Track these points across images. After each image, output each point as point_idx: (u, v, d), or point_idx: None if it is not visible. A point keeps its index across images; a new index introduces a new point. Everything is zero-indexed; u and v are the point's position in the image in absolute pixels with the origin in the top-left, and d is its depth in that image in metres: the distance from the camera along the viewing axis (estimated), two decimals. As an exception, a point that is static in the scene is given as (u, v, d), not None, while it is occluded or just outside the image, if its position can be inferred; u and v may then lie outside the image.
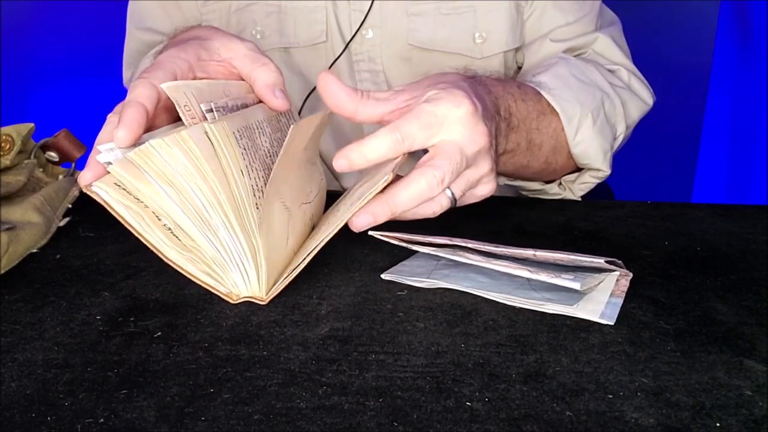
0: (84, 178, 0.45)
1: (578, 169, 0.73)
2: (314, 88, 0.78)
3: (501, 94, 0.61)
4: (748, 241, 0.57)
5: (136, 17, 0.84)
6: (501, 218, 0.62)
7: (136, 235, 0.44)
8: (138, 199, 0.44)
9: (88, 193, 0.44)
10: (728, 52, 1.37)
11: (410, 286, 0.49)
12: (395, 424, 0.34)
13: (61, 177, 0.65)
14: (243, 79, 0.55)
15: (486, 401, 0.36)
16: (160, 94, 0.48)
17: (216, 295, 0.46)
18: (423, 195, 0.48)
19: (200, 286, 0.46)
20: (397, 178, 0.48)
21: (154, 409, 0.35)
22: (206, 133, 0.43)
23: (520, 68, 0.82)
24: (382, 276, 0.50)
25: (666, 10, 1.42)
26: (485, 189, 0.54)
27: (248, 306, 0.46)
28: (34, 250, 0.55)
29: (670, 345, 0.41)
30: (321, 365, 0.39)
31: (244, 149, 0.46)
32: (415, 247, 0.50)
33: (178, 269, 0.45)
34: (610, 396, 0.36)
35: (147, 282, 0.50)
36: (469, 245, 0.49)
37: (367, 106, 0.51)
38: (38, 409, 0.35)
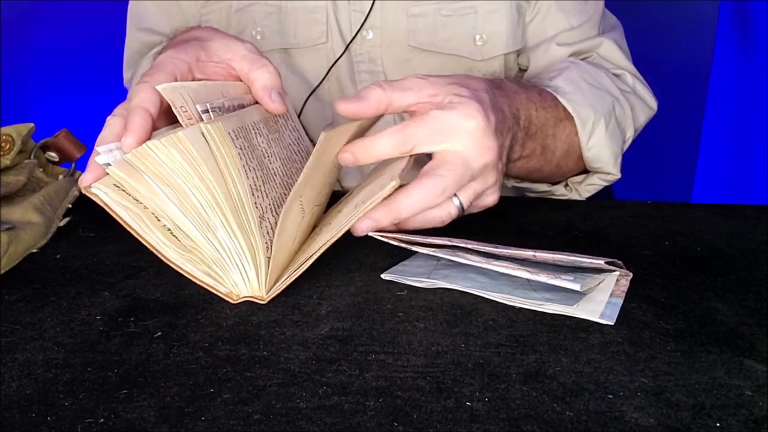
0: (84, 179, 0.45)
1: (586, 171, 0.74)
2: (314, 89, 0.78)
3: (523, 102, 0.61)
4: (748, 241, 0.57)
5: (136, 17, 0.84)
6: (502, 218, 0.62)
7: (136, 236, 0.44)
8: (137, 200, 0.44)
9: (88, 194, 0.44)
10: (728, 52, 1.37)
11: (410, 286, 0.49)
12: (395, 424, 0.34)
13: (61, 177, 0.65)
14: (241, 80, 0.55)
15: (486, 401, 0.36)
16: (162, 97, 0.48)
17: (216, 295, 0.46)
18: (425, 202, 0.49)
19: (200, 286, 0.46)
20: (401, 186, 0.49)
21: (154, 409, 0.35)
22: (202, 133, 0.43)
23: (521, 70, 0.82)
24: (382, 276, 0.50)
25: (666, 10, 1.42)
26: (489, 200, 0.55)
27: (248, 306, 0.46)
28: (34, 250, 0.55)
29: (670, 345, 0.41)
30: (321, 365, 0.39)
31: (241, 149, 0.46)
32: (414, 248, 0.50)
33: (177, 269, 0.45)
34: (610, 396, 0.36)
35: (147, 282, 0.50)
36: (469, 246, 0.49)
37: (398, 97, 0.52)
38: (38, 409, 0.35)
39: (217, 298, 0.46)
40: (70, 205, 0.62)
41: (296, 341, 0.42)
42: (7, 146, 0.59)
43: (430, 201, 0.49)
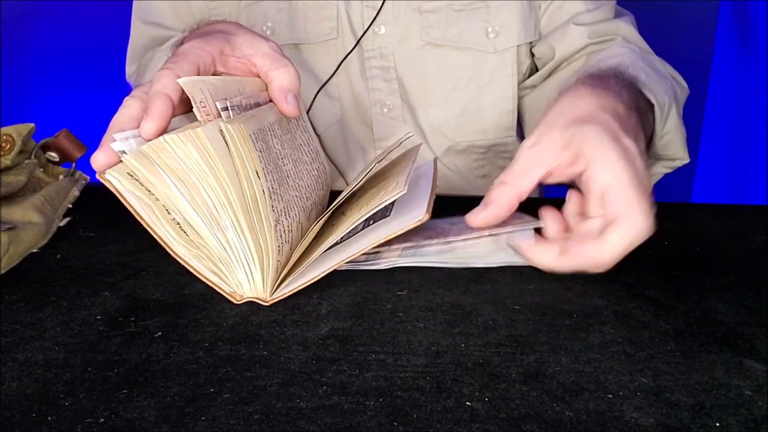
0: (97, 159, 0.44)
1: None
2: (323, 85, 0.78)
3: (637, 127, 0.54)
4: (748, 241, 0.57)
5: (142, 11, 0.84)
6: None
7: (145, 226, 0.44)
8: (149, 192, 0.43)
9: (101, 180, 0.43)
10: (728, 52, 1.37)
11: (410, 286, 0.49)
12: (395, 424, 0.34)
13: (61, 177, 0.65)
14: (260, 77, 0.55)
15: (486, 401, 0.36)
16: None
17: (218, 293, 0.46)
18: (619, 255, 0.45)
19: (202, 284, 0.46)
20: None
21: (154, 408, 0.35)
22: (221, 131, 0.43)
23: (534, 64, 0.82)
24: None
25: (666, 10, 1.42)
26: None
27: (248, 306, 0.46)
28: (35, 250, 0.55)
29: (669, 345, 0.41)
30: (321, 365, 0.39)
31: (260, 152, 0.45)
32: (374, 267, 0.50)
33: (184, 264, 0.45)
34: (610, 396, 0.36)
35: (147, 282, 0.50)
36: (428, 243, 0.50)
37: (526, 184, 0.48)
38: (38, 408, 0.35)
39: (218, 298, 0.46)
40: (70, 205, 0.62)
41: (296, 341, 0.42)
42: (8, 146, 0.59)
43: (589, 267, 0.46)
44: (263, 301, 0.46)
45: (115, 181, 0.43)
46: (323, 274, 0.46)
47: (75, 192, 0.63)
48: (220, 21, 0.61)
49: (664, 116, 0.66)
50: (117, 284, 0.50)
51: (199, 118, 0.46)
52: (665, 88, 0.67)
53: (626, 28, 0.78)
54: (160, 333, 0.43)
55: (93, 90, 1.61)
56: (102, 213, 0.62)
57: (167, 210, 0.44)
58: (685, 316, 0.45)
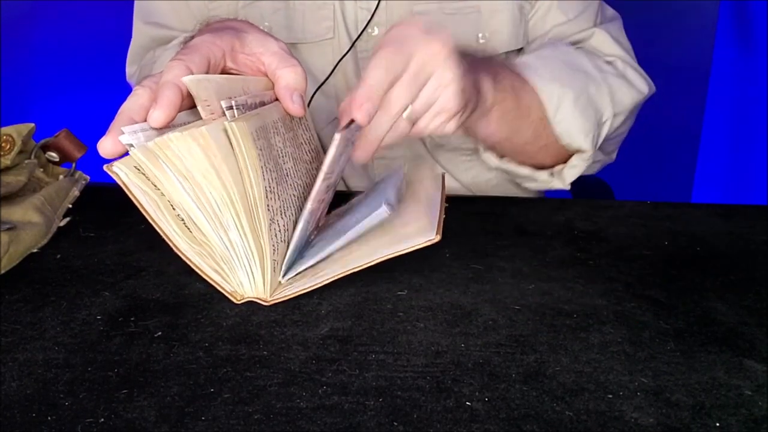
0: (104, 146, 0.44)
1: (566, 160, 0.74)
2: (321, 84, 0.78)
3: (487, 60, 0.63)
4: (748, 241, 0.57)
5: (144, 12, 0.84)
6: (501, 218, 0.62)
7: (150, 221, 0.44)
8: (155, 186, 0.43)
9: (108, 172, 0.43)
10: (728, 52, 1.37)
11: (410, 286, 0.49)
12: (395, 424, 0.34)
13: (61, 177, 0.65)
14: (267, 76, 0.55)
15: (486, 401, 0.36)
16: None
17: (218, 293, 0.46)
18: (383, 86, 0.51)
19: (202, 284, 0.46)
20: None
21: (154, 408, 0.35)
22: (225, 131, 0.43)
23: None
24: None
25: (666, 10, 1.42)
26: (448, 104, 0.56)
27: (248, 306, 0.46)
28: (35, 250, 0.55)
29: (669, 345, 0.41)
30: (321, 365, 0.39)
31: (260, 150, 0.45)
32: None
33: (186, 261, 0.45)
34: (610, 396, 0.36)
35: (147, 282, 0.50)
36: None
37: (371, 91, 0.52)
38: (38, 408, 0.35)
39: (218, 298, 0.46)
40: (70, 205, 0.62)
41: (296, 341, 0.42)
42: (8, 146, 0.59)
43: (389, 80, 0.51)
44: (263, 301, 0.46)
45: (122, 174, 0.43)
46: (325, 282, 0.46)
47: (75, 192, 0.63)
48: (231, 19, 0.61)
49: (554, 102, 0.69)
50: (117, 284, 0.50)
51: (203, 116, 0.46)
52: (565, 78, 0.71)
53: (599, 36, 0.79)
54: (160, 333, 0.43)
55: (93, 90, 1.61)
56: (102, 213, 0.62)
57: (172, 206, 0.44)
58: (685, 316, 0.45)
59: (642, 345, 0.41)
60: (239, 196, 0.43)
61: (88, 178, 0.65)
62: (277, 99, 0.54)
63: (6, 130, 0.60)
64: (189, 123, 0.46)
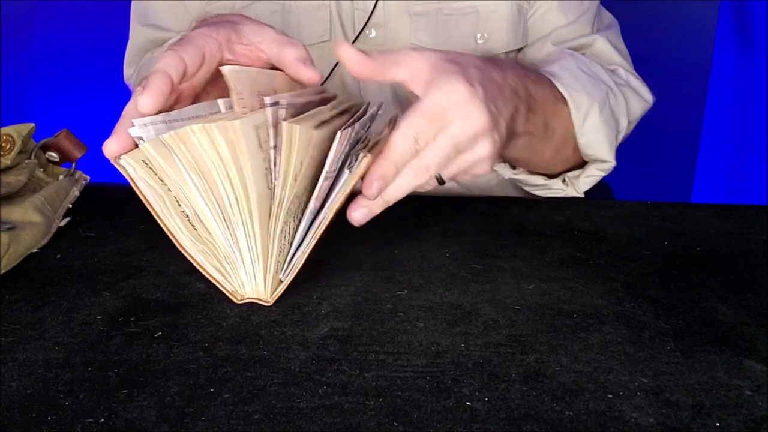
0: (109, 146, 0.43)
1: (581, 165, 0.74)
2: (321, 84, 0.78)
3: (521, 77, 0.61)
4: (748, 241, 0.57)
5: (141, 14, 0.84)
6: (501, 218, 0.62)
7: (154, 216, 0.44)
8: (162, 181, 0.43)
9: (115, 165, 0.43)
10: (728, 52, 1.37)
11: (410, 285, 0.49)
12: (395, 424, 0.34)
13: (61, 177, 0.65)
14: (272, 65, 0.54)
15: (486, 401, 0.36)
16: (187, 68, 0.47)
17: (218, 293, 0.46)
18: (413, 185, 0.49)
19: (202, 284, 0.46)
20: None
21: (154, 408, 0.35)
22: (291, 130, 0.41)
23: None
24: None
25: (666, 10, 1.42)
26: (480, 170, 0.53)
27: (248, 306, 0.46)
28: (35, 250, 0.55)
29: (669, 345, 0.41)
30: (321, 365, 0.39)
31: (311, 159, 0.44)
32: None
33: (188, 258, 0.45)
34: (610, 396, 0.36)
35: (147, 282, 0.50)
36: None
37: (393, 72, 0.51)
38: (38, 408, 0.35)
39: (218, 298, 0.46)
40: (70, 205, 0.62)
41: (296, 341, 0.42)
42: (8, 146, 0.59)
43: (418, 182, 0.49)
44: (264, 301, 0.46)
45: (129, 167, 0.42)
46: (309, 248, 0.45)
47: (75, 192, 0.63)
48: (227, 14, 0.61)
49: (582, 113, 0.68)
50: (117, 284, 0.50)
51: (236, 109, 0.44)
52: (590, 89, 0.70)
53: (601, 43, 0.79)
54: (160, 333, 0.43)
55: (93, 90, 1.62)
56: (102, 213, 0.62)
57: (178, 202, 0.44)
58: (685, 316, 0.45)
59: (642, 345, 0.41)
60: (256, 198, 0.42)
61: (88, 178, 0.65)
62: (293, 80, 0.52)
63: (6, 130, 0.60)
64: (199, 117, 0.45)
